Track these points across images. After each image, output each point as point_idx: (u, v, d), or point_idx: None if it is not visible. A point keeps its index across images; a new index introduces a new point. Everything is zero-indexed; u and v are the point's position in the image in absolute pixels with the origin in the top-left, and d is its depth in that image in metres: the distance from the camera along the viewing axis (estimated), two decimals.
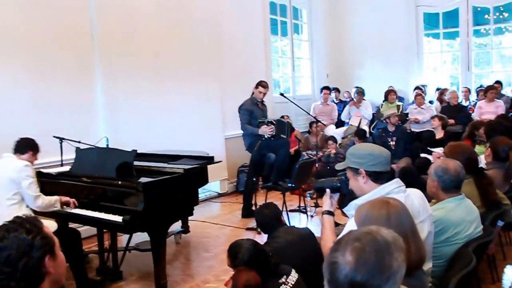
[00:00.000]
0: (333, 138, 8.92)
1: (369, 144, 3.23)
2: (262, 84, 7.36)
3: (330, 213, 3.09)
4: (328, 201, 3.12)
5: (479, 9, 11.37)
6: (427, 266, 2.70)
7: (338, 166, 3.16)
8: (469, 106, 9.93)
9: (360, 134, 8.77)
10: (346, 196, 3.11)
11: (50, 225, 4.38)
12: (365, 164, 2.89)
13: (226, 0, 8.81)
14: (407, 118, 9.66)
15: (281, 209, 4.59)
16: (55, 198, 4.53)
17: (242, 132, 7.59)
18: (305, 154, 8.97)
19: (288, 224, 4.76)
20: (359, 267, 1.51)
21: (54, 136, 5.51)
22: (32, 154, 4.56)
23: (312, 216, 7.08)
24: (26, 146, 4.53)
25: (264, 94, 7.41)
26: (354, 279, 1.51)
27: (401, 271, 1.57)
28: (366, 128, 9.85)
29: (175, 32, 7.71)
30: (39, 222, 1.91)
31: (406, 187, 2.91)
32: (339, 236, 2.52)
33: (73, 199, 4.64)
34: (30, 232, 1.85)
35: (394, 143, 8.29)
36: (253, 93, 7.49)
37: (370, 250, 1.54)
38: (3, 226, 1.89)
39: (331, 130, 9.95)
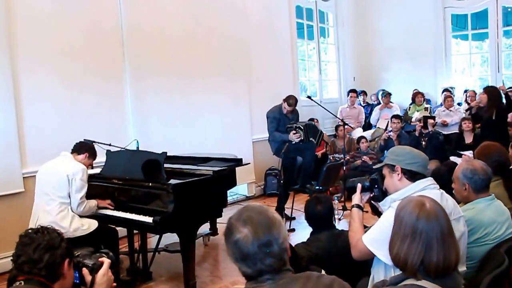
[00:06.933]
0: (363, 138, 8.93)
1: (409, 147, 3.26)
2: (288, 101, 7.20)
3: (360, 207, 3.13)
4: (358, 196, 3.18)
5: (509, 9, 11.17)
6: (461, 268, 2.68)
7: (376, 166, 3.21)
8: None
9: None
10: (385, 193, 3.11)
11: (92, 223, 4.55)
12: (402, 162, 2.93)
13: (253, 4, 8.86)
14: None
15: None
16: (94, 203, 4.70)
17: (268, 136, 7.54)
18: (332, 158, 8.95)
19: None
20: None
21: (86, 139, 5.59)
22: (88, 157, 4.76)
23: (339, 219, 7.05)
24: (84, 148, 4.76)
25: (290, 111, 7.29)
26: None
27: None
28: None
29: (203, 38, 7.79)
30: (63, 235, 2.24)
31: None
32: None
33: (109, 201, 4.81)
34: (60, 235, 2.18)
35: (425, 143, 8.32)
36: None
37: None
38: (40, 227, 2.21)
39: (358, 133, 9.90)
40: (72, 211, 4.54)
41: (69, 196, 4.51)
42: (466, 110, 8.95)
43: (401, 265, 2.14)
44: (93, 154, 4.85)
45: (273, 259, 1.81)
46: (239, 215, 1.88)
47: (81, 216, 4.61)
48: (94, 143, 5.60)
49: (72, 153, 4.71)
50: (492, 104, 7.38)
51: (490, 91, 7.63)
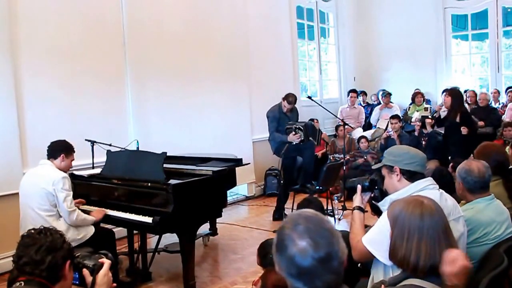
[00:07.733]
0: (363, 138, 8.95)
1: (407, 146, 3.26)
2: (288, 99, 7.22)
3: (361, 209, 3.12)
4: (359, 197, 3.16)
5: (509, 9, 11.15)
6: None
7: (375, 166, 3.21)
8: (498, 108, 9.76)
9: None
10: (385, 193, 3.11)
11: (89, 230, 4.50)
12: (400, 162, 2.93)
13: (253, 5, 8.86)
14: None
15: None
16: (91, 218, 4.55)
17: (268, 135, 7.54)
18: (332, 158, 8.95)
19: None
20: None
21: (86, 140, 5.62)
22: (65, 156, 4.49)
23: (339, 219, 7.06)
24: (57, 150, 4.49)
25: (289, 109, 7.30)
26: None
27: None
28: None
29: (203, 38, 7.81)
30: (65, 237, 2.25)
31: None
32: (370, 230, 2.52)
33: (105, 212, 4.71)
34: (62, 236, 2.19)
35: (425, 143, 8.37)
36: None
37: None
38: (43, 227, 2.21)
39: (358, 133, 9.90)
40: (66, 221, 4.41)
41: (56, 206, 4.36)
42: (433, 115, 8.95)
43: (412, 267, 2.09)
44: (68, 150, 4.55)
45: (331, 275, 1.64)
46: (294, 224, 1.66)
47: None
48: (95, 143, 5.65)
49: (48, 159, 4.50)
50: (457, 106, 7.39)
51: (454, 93, 7.63)
